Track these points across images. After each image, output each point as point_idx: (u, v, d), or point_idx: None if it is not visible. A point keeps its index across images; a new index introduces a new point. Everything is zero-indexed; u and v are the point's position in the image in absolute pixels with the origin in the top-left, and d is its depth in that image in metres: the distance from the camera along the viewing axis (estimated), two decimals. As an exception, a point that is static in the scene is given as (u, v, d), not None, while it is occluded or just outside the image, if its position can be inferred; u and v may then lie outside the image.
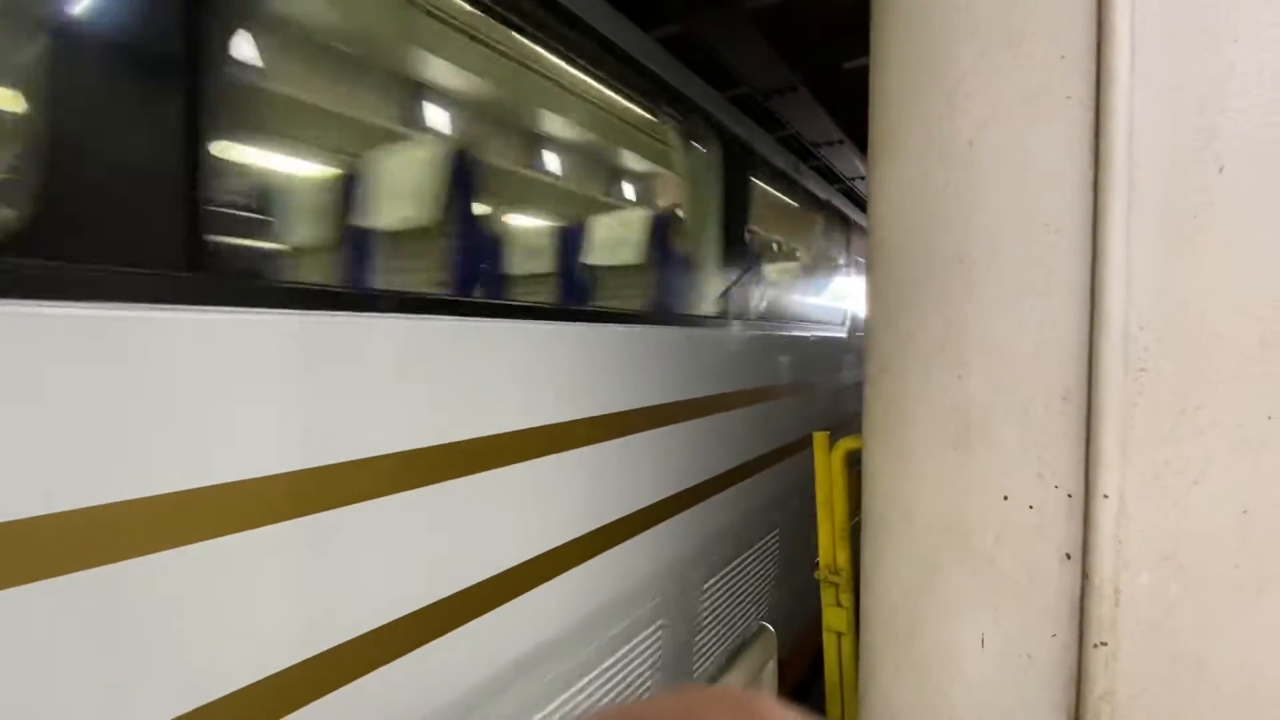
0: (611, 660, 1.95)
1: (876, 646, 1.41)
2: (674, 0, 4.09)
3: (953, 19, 1.19)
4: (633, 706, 0.48)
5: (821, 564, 2.48)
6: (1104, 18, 1.04)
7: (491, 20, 1.91)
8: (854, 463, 2.20)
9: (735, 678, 1.38)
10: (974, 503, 1.20)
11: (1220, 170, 0.99)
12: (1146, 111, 1.02)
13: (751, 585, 2.63)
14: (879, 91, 1.39)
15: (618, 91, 2.57)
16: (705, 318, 2.82)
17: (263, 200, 2.29)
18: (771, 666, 1.52)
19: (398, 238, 2.08)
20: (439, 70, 3.79)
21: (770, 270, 4.40)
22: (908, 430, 1.30)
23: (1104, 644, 1.06)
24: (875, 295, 1.41)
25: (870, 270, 1.44)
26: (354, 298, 1.48)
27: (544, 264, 3.18)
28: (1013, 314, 1.15)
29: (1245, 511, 1.00)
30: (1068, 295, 1.10)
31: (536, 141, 5.29)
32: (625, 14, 5.04)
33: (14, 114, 1.03)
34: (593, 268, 3.01)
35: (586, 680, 1.85)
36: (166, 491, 1.02)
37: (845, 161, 6.59)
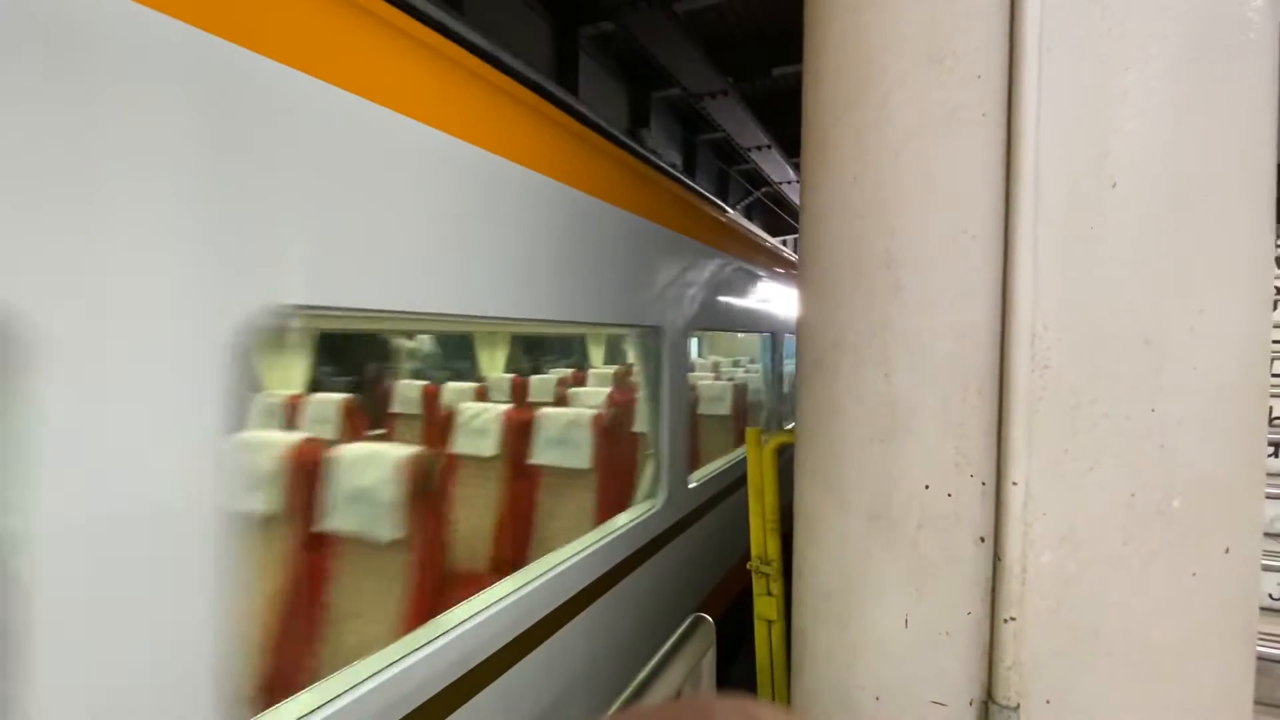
0: None
1: (809, 632, 1.48)
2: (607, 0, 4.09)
3: (883, 34, 1.26)
4: (641, 711, 0.48)
5: (753, 554, 2.56)
6: (1015, 42, 1.12)
7: None
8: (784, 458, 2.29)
9: (675, 668, 1.42)
10: (899, 492, 1.27)
11: (1113, 186, 1.09)
12: (1051, 130, 1.11)
13: None
14: (812, 99, 1.46)
15: None
16: None
17: None
18: (710, 656, 1.57)
19: None
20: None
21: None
22: (839, 424, 1.36)
23: (1012, 619, 1.15)
24: (808, 294, 1.48)
25: (803, 270, 1.51)
26: None
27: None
28: (935, 314, 1.23)
29: (1133, 495, 1.11)
30: (983, 297, 1.18)
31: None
32: (559, 9, 4.99)
33: None
34: None
35: None
36: None
37: (774, 166, 6.80)
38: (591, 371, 6.07)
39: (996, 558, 1.17)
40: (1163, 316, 1.10)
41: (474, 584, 1.95)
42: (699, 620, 1.56)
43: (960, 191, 1.20)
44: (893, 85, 1.25)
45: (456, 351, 6.14)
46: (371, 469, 2.11)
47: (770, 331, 5.14)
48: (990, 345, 1.18)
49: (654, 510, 2.86)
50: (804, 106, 1.51)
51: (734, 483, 3.90)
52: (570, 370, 6.30)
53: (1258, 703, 2.10)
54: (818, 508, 1.44)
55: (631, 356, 3.09)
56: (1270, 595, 2.37)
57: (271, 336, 1.27)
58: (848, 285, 1.34)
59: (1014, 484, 1.14)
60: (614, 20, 4.35)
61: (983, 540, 1.20)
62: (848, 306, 1.34)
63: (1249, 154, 1.15)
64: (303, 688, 1.37)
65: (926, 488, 1.24)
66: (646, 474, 3.04)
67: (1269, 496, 2.57)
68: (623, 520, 2.69)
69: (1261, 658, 2.09)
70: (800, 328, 1.53)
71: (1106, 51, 1.09)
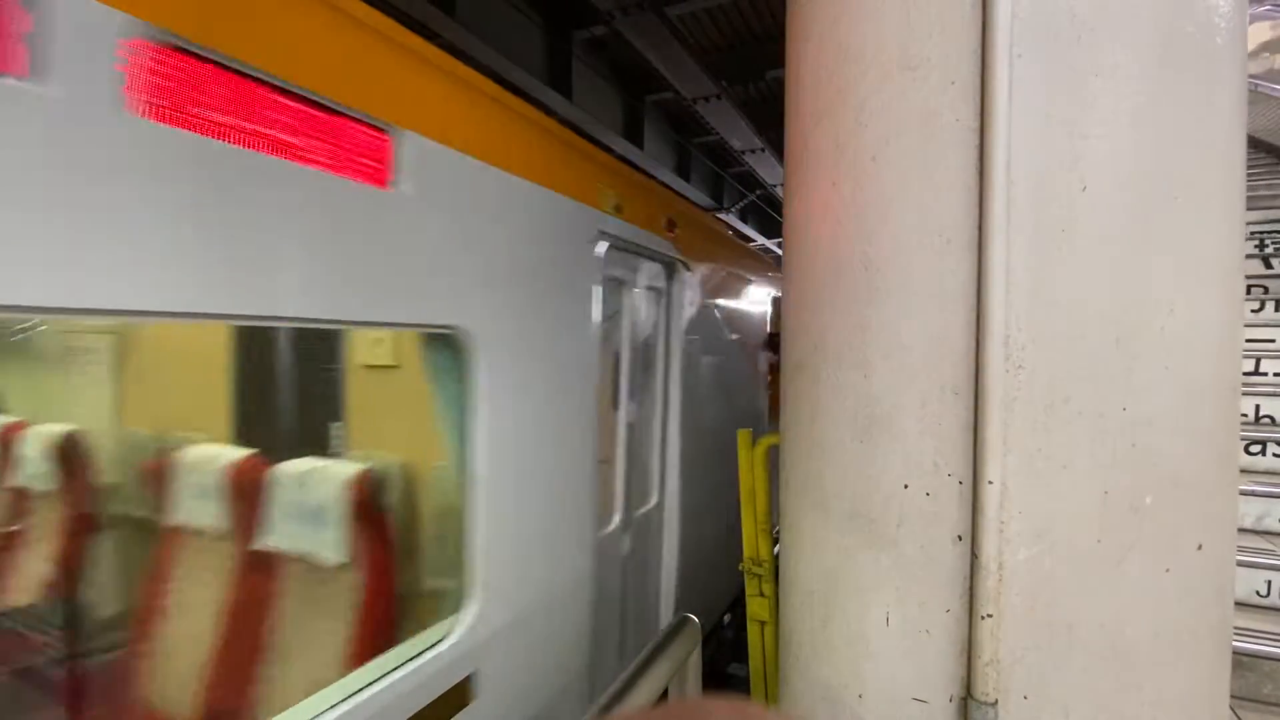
0: None
1: (795, 631, 1.49)
2: (601, 3, 4.12)
3: (858, 42, 1.28)
4: (637, 715, 0.50)
5: (745, 556, 2.58)
6: (986, 50, 1.14)
7: None
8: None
9: (660, 668, 1.43)
10: (879, 491, 1.29)
11: (1083, 189, 1.11)
12: (1023, 135, 1.13)
13: None
14: (793, 106, 1.48)
15: None
16: None
17: None
18: (696, 656, 1.59)
19: None
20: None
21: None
22: (821, 424, 1.38)
23: (990, 616, 1.17)
24: (791, 297, 1.50)
25: (787, 274, 1.53)
26: None
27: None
28: (911, 316, 1.24)
29: (1106, 492, 1.13)
30: (957, 299, 1.20)
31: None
32: (552, 14, 5.01)
33: None
34: None
35: None
36: None
37: (768, 169, 6.82)
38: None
39: (974, 555, 1.19)
40: (1134, 317, 1.12)
41: None
42: (685, 620, 1.58)
43: (935, 196, 1.22)
44: (869, 92, 1.27)
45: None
46: None
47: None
48: (966, 346, 1.20)
49: None
50: (785, 113, 1.53)
51: None
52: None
53: (1243, 698, 2.12)
54: (801, 507, 1.46)
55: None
56: (1257, 592, 2.39)
57: None
58: (828, 288, 1.36)
59: (990, 483, 1.16)
60: (607, 25, 4.37)
61: (960, 539, 1.22)
62: (828, 309, 1.36)
63: (1218, 156, 1.17)
64: None
65: (905, 487, 1.26)
66: None
67: (1255, 495, 2.58)
68: None
69: (1247, 654, 2.11)
70: (784, 331, 1.55)
71: (1076, 58, 1.11)
